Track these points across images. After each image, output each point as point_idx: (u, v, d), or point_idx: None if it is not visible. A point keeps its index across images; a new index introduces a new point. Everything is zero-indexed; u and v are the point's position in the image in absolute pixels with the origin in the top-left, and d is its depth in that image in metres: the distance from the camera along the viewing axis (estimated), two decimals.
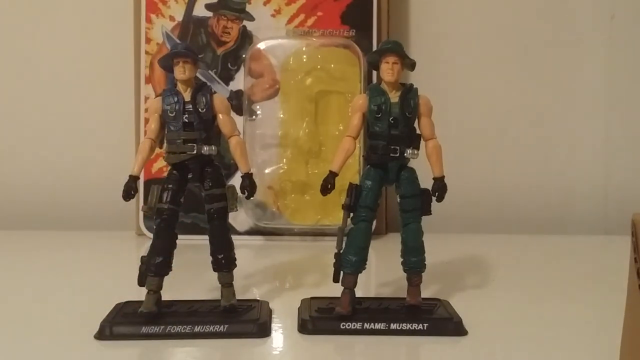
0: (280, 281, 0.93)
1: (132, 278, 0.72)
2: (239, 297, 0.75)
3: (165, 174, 0.75)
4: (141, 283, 0.72)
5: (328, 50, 1.16)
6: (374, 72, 1.03)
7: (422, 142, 0.74)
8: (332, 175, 0.73)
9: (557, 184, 1.29)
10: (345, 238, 0.73)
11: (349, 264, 0.72)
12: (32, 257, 1.06)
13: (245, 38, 1.16)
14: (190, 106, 0.72)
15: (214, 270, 0.74)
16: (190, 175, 0.73)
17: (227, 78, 1.16)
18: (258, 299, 0.79)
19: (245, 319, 0.72)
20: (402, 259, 0.74)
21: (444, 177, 0.73)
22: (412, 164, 0.74)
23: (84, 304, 0.81)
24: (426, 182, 0.74)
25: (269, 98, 1.16)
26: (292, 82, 1.16)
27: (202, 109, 0.72)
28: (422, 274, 0.74)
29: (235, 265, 0.74)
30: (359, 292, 0.74)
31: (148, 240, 0.77)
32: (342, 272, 0.73)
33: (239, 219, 1.14)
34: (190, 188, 0.74)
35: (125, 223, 1.18)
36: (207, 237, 0.74)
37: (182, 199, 0.73)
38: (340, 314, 0.71)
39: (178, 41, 1.15)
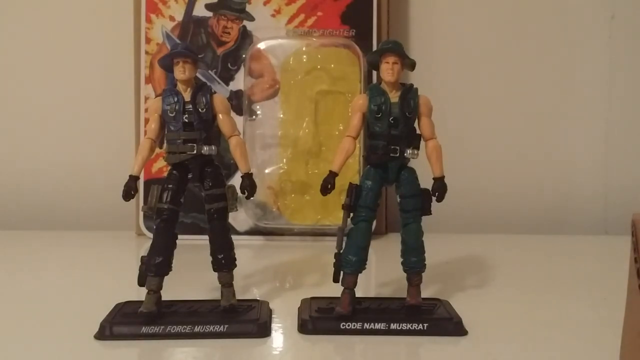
0: (280, 281, 0.93)
1: (132, 278, 0.72)
2: (239, 297, 0.75)
3: (165, 174, 0.75)
4: (141, 283, 0.72)
5: (328, 50, 1.16)
6: (374, 72, 1.03)
7: (422, 142, 0.74)
8: (332, 175, 0.73)
9: (557, 184, 1.29)
10: (345, 238, 0.73)
11: (349, 264, 0.72)
12: (32, 257, 1.06)
13: (245, 38, 1.16)
14: (190, 106, 0.72)
15: (214, 270, 0.74)
16: (190, 175, 0.73)
17: (227, 78, 1.16)
18: (258, 299, 0.79)
19: (245, 319, 0.71)
20: (402, 259, 0.74)
21: (444, 177, 0.73)
22: (412, 164, 0.74)
23: (84, 304, 0.81)
24: (426, 182, 0.74)
25: (269, 98, 1.16)
26: (292, 82, 1.16)
27: (202, 109, 0.72)
28: (422, 274, 0.74)
29: (235, 265, 0.74)
30: (359, 292, 0.74)
31: (148, 240, 0.77)
32: (342, 272, 0.73)
33: (239, 219, 1.14)
34: (190, 188, 0.74)
35: (125, 223, 1.18)
36: (207, 237, 0.74)
37: (182, 199, 0.73)
38: (340, 314, 0.71)
39: (178, 41, 1.15)
